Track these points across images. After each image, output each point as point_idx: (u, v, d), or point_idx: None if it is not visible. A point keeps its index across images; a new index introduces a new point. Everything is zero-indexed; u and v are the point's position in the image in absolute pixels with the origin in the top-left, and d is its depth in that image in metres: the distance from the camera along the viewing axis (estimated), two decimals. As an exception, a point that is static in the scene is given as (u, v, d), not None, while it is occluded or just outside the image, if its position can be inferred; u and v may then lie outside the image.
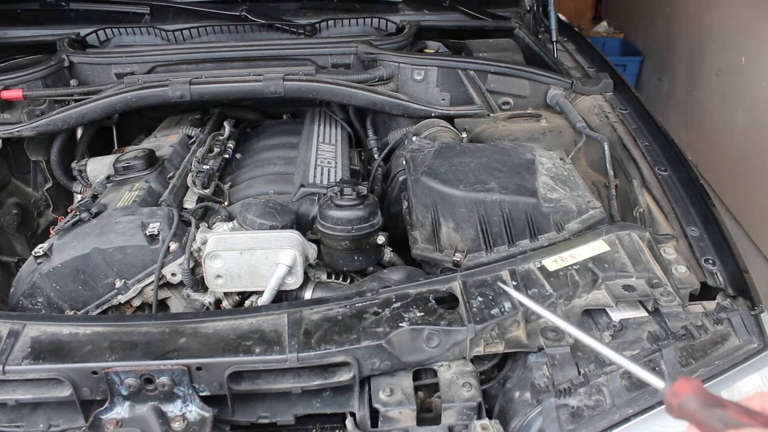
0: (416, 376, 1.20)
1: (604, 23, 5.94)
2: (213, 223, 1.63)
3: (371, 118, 2.29)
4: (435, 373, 1.19)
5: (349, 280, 1.58)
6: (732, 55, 3.69)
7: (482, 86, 2.12)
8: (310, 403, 1.19)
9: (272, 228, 1.51)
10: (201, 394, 1.13)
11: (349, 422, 1.15)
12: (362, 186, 1.55)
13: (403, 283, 1.37)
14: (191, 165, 1.88)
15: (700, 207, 1.52)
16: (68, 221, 1.58)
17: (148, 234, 1.48)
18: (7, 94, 2.03)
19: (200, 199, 1.75)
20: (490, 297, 1.23)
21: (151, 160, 1.87)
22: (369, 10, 2.60)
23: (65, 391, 1.12)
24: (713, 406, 0.58)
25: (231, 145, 2.11)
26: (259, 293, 1.48)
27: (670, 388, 0.61)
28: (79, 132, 2.18)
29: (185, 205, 1.76)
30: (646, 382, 0.68)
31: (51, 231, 1.63)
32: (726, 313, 1.22)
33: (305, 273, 1.48)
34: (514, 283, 1.26)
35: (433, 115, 2.07)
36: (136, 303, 1.52)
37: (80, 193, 2.11)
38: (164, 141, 2.10)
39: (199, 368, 1.12)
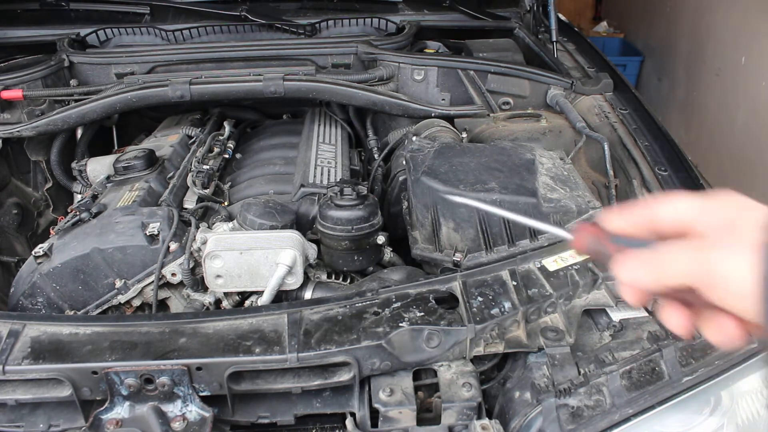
0: (416, 376, 1.20)
1: (604, 23, 5.95)
2: (213, 223, 1.63)
3: (371, 118, 2.29)
4: (435, 373, 1.19)
5: (349, 280, 1.58)
6: (732, 55, 3.69)
7: (482, 86, 2.11)
8: (310, 403, 1.19)
9: (272, 228, 1.51)
10: (201, 394, 1.13)
11: (349, 422, 1.15)
12: (362, 186, 1.55)
13: (403, 283, 1.37)
14: (191, 165, 1.88)
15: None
16: (68, 221, 1.58)
17: (148, 234, 1.48)
18: (7, 94, 2.03)
19: (200, 199, 1.75)
20: (490, 297, 1.23)
21: (151, 160, 1.87)
22: (369, 10, 2.60)
23: (65, 391, 1.12)
24: (603, 241, 0.63)
25: (231, 145, 2.11)
26: (259, 293, 1.48)
27: (573, 241, 0.65)
28: (79, 132, 2.18)
29: (185, 205, 1.76)
30: (555, 236, 0.71)
31: (51, 231, 1.63)
32: (726, 313, 1.22)
33: (305, 273, 1.48)
34: (514, 283, 1.26)
35: (433, 115, 2.06)
36: (136, 303, 1.52)
37: (80, 193, 2.11)
38: (164, 141, 2.10)
39: (199, 368, 1.12)
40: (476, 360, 1.21)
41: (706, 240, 0.55)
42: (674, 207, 0.59)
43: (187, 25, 2.40)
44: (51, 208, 2.20)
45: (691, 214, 0.57)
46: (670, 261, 0.55)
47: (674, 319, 0.59)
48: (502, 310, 1.19)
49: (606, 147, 1.75)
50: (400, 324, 1.16)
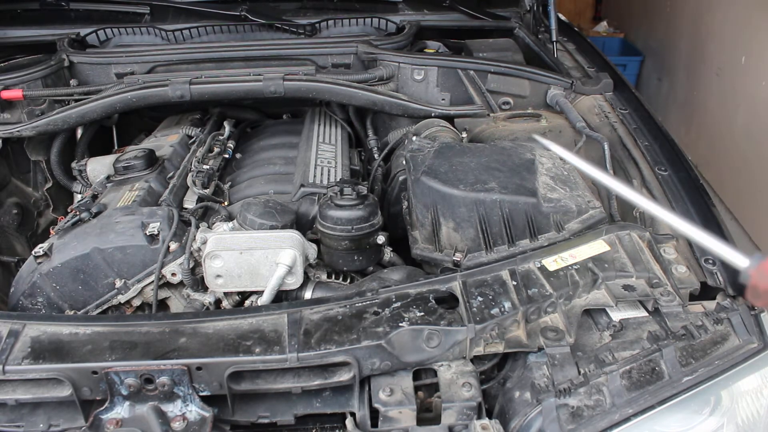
0: (416, 376, 1.20)
1: (604, 23, 5.95)
2: (213, 223, 1.63)
3: (371, 118, 2.29)
4: (435, 373, 1.19)
5: (349, 280, 1.58)
6: (732, 55, 3.69)
7: (482, 86, 2.12)
8: (310, 403, 1.19)
9: (272, 228, 1.51)
10: (201, 393, 1.13)
11: (349, 422, 1.15)
12: (362, 186, 1.55)
13: (403, 283, 1.37)
14: (191, 165, 1.88)
15: (700, 207, 1.52)
16: (68, 221, 1.58)
17: (148, 234, 1.48)
18: (7, 94, 2.03)
19: (200, 199, 1.75)
20: (490, 297, 1.23)
21: (151, 160, 1.87)
22: (369, 10, 2.60)
23: (65, 391, 1.12)
24: None
25: (231, 144, 2.11)
26: (259, 293, 1.48)
27: (755, 269, 0.49)
28: (79, 132, 2.18)
29: (185, 205, 1.76)
30: (728, 260, 0.56)
31: (51, 231, 1.63)
32: (726, 312, 1.22)
33: (305, 273, 1.48)
34: (514, 283, 1.26)
35: (433, 115, 2.06)
36: (136, 303, 1.52)
37: (80, 193, 2.11)
38: (164, 141, 2.10)
39: (199, 368, 1.12)
40: (476, 360, 1.21)
41: None
42: None
43: (187, 25, 2.40)
44: (51, 208, 2.20)
45: None
46: None
47: None
48: (502, 309, 1.19)
49: (606, 147, 1.75)
50: (400, 324, 1.17)
